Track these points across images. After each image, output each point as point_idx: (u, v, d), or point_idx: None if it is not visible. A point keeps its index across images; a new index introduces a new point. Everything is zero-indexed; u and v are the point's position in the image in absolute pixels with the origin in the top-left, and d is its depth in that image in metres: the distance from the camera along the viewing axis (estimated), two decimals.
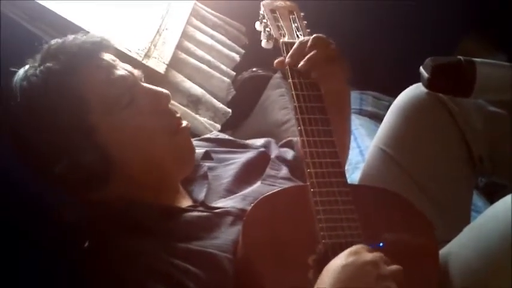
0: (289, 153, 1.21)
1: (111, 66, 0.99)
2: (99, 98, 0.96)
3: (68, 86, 0.95)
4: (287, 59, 1.05)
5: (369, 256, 0.81)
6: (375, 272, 0.79)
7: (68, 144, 0.94)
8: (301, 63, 1.03)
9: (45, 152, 0.95)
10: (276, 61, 1.09)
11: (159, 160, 0.99)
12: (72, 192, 1.02)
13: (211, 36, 1.99)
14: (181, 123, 1.03)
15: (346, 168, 1.22)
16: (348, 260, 0.80)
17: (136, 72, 1.03)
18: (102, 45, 1.01)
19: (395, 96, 1.26)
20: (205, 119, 1.67)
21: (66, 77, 0.96)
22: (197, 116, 1.65)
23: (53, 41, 1.01)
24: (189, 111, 1.65)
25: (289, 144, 1.26)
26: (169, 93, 1.03)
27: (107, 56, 1.00)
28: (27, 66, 1.00)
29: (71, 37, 1.01)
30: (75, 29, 1.43)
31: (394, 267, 0.81)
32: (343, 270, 0.79)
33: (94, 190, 0.98)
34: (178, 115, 1.04)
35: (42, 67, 0.97)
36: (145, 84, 1.02)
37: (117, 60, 1.02)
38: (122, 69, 1.00)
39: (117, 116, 0.96)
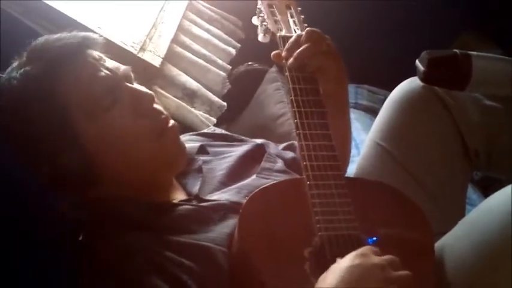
0: (288, 154, 1.21)
1: (93, 67, 0.96)
2: (79, 102, 0.94)
3: (46, 92, 0.94)
4: (283, 53, 1.05)
5: (376, 259, 0.81)
6: (381, 275, 0.79)
7: (49, 150, 0.94)
8: (290, 60, 1.03)
9: (30, 155, 0.95)
10: (272, 53, 1.09)
11: (146, 162, 0.98)
12: (62, 190, 1.01)
13: (207, 31, 1.99)
14: (168, 123, 1.01)
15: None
16: (355, 262, 0.80)
17: (123, 69, 1.00)
18: (85, 45, 0.98)
19: (390, 89, 1.26)
20: (201, 113, 1.67)
21: (45, 82, 0.94)
22: (192, 110, 1.65)
23: (38, 40, 0.99)
24: (184, 104, 1.65)
25: (291, 147, 1.25)
26: (153, 93, 1.01)
27: (92, 54, 0.98)
28: (15, 64, 0.99)
29: (54, 37, 0.98)
30: (72, 23, 1.44)
31: (401, 272, 0.81)
32: (349, 271, 0.79)
33: (82, 190, 0.98)
34: (163, 116, 1.01)
35: (22, 70, 0.96)
36: (129, 85, 0.99)
37: (103, 57, 0.99)
38: (105, 69, 0.97)
39: (100, 119, 0.95)
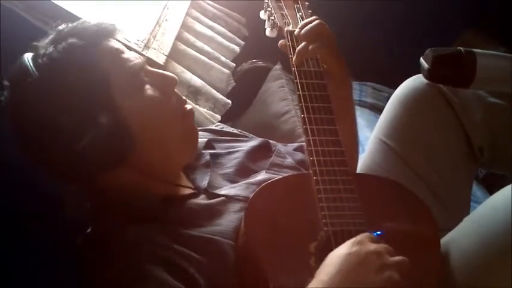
0: (297, 155, 1.21)
1: (123, 49, 1.00)
2: (118, 75, 0.96)
3: (92, 60, 0.95)
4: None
5: (372, 246, 0.82)
6: (377, 262, 0.80)
7: (92, 118, 0.93)
8: (295, 56, 1.06)
9: (70, 125, 0.92)
10: (280, 42, 1.11)
11: (171, 140, 0.99)
12: (91, 169, 0.96)
13: (211, 28, 1.99)
14: (187, 107, 1.04)
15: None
16: (352, 250, 0.81)
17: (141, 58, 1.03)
18: (114, 30, 1.01)
19: (395, 87, 1.27)
20: (205, 110, 1.67)
21: (91, 52, 0.96)
22: (197, 107, 1.65)
23: (61, 26, 1.00)
24: (188, 101, 1.65)
25: (301, 149, 1.25)
26: (176, 77, 1.03)
27: (116, 42, 1.01)
28: (42, 44, 0.98)
29: (83, 20, 1.01)
30: (76, 20, 1.43)
31: (398, 258, 0.82)
32: (346, 259, 0.80)
33: (114, 166, 0.96)
34: (184, 98, 1.05)
35: (64, 43, 0.96)
36: (152, 68, 1.03)
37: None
38: (131, 53, 1.01)
39: (135, 94, 0.97)
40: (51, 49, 0.96)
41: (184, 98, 1.05)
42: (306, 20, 1.10)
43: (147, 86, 0.99)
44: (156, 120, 0.98)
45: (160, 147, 0.99)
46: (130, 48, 1.53)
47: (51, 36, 0.99)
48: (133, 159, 0.96)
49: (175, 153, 1.01)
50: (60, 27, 1.00)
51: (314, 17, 1.10)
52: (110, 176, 0.97)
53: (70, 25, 1.00)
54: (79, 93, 0.93)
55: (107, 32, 0.99)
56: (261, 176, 1.07)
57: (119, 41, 1.02)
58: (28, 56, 0.97)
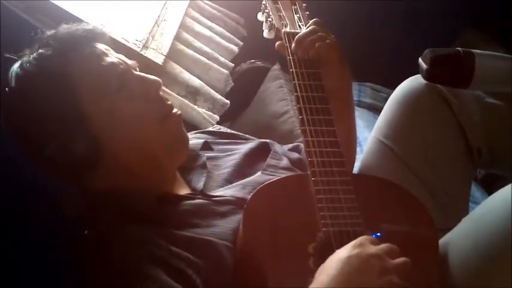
0: (294, 154, 1.21)
1: (103, 54, 1.00)
2: (88, 84, 0.97)
3: (58, 71, 0.96)
4: (292, 45, 1.07)
5: (373, 249, 0.81)
6: (378, 265, 0.80)
7: (56, 129, 0.95)
8: (294, 45, 1.06)
9: (34, 136, 0.96)
10: (277, 43, 1.11)
11: (149, 147, 0.99)
12: (62, 177, 1.02)
13: (210, 28, 1.99)
14: (172, 110, 1.03)
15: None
16: (353, 252, 0.80)
17: (131, 62, 1.03)
18: (95, 34, 1.02)
19: (393, 88, 1.26)
20: (204, 110, 1.67)
21: (57, 62, 0.97)
22: (195, 107, 1.66)
23: (49, 31, 1.02)
24: (187, 102, 1.65)
25: (296, 149, 1.26)
26: (160, 80, 1.03)
27: (100, 46, 1.01)
28: (26, 53, 1.01)
29: (64, 26, 1.02)
30: (74, 20, 1.43)
31: (399, 260, 0.82)
32: (347, 261, 0.79)
33: (83, 176, 0.98)
34: (169, 102, 1.04)
35: (35, 54, 0.99)
36: (137, 72, 1.02)
37: (111, 50, 1.02)
38: (114, 57, 1.01)
39: (107, 101, 0.97)
40: (27, 59, 1.00)
41: (170, 102, 1.04)
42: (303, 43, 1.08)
43: (125, 90, 0.99)
44: (131, 125, 0.98)
45: (140, 152, 0.99)
46: (127, 48, 1.56)
47: (36, 44, 1.01)
48: (114, 163, 0.98)
49: (159, 158, 1.01)
50: (45, 33, 1.02)
51: (310, 38, 1.08)
52: (101, 177, 0.98)
53: (49, 33, 1.02)
54: (44, 104, 0.96)
55: (82, 38, 1.00)
56: (257, 176, 1.07)
57: (107, 44, 1.03)
58: (16, 65, 1.01)
